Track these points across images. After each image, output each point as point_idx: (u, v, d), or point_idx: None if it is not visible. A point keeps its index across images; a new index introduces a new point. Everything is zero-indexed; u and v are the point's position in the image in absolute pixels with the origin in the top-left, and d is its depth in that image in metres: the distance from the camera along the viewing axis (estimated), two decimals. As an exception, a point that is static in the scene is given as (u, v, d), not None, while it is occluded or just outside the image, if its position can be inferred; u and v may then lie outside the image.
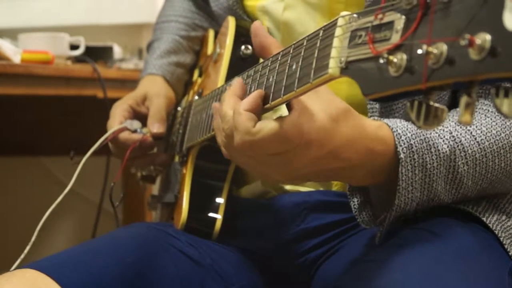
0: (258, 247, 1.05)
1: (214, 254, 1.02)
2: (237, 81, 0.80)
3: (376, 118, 0.83)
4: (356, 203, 0.86)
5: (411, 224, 0.87)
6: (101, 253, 0.93)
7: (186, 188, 1.06)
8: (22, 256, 1.03)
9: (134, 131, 1.16)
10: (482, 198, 0.91)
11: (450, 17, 0.51)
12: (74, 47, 1.84)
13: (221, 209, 1.05)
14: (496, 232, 0.88)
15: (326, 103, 0.73)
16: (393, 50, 0.55)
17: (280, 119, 0.72)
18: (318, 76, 0.65)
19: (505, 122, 0.86)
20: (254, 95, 0.75)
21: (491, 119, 0.86)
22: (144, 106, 1.21)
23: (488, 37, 0.47)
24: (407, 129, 0.80)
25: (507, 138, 0.86)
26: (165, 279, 0.94)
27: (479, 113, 0.87)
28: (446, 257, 0.80)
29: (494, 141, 0.85)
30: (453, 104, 0.93)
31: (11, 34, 1.88)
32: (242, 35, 1.08)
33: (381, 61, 0.56)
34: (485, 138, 0.84)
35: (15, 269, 0.98)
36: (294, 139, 0.71)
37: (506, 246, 0.87)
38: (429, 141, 0.81)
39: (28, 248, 1.06)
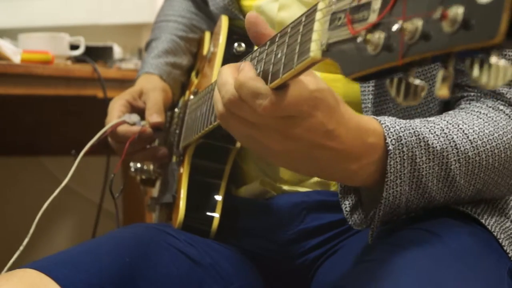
0: (257, 247, 1.05)
1: (213, 254, 1.02)
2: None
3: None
4: (347, 205, 0.85)
5: (410, 224, 0.86)
6: (100, 253, 0.93)
7: (183, 186, 1.06)
8: (18, 252, 1.03)
9: (133, 124, 1.16)
10: (480, 200, 0.91)
11: None
12: (74, 47, 1.84)
13: (218, 207, 1.05)
14: (495, 233, 0.88)
15: (329, 87, 0.72)
16: (371, 29, 0.55)
17: (291, 85, 0.69)
18: (301, 61, 0.65)
19: (498, 123, 0.86)
20: (249, 66, 0.73)
21: (483, 119, 0.86)
22: (140, 101, 1.20)
23: (460, 10, 0.48)
24: (395, 122, 0.80)
25: (501, 138, 0.85)
26: (164, 279, 0.94)
27: (471, 114, 0.87)
28: (446, 257, 0.80)
29: (487, 140, 0.84)
30: (446, 108, 0.94)
31: (11, 34, 1.87)
32: (235, 33, 1.08)
33: (359, 40, 0.56)
34: (478, 137, 0.84)
35: (12, 263, 0.99)
36: (309, 102, 0.69)
37: (505, 247, 0.87)
38: (419, 135, 0.80)
39: (26, 240, 1.05)
